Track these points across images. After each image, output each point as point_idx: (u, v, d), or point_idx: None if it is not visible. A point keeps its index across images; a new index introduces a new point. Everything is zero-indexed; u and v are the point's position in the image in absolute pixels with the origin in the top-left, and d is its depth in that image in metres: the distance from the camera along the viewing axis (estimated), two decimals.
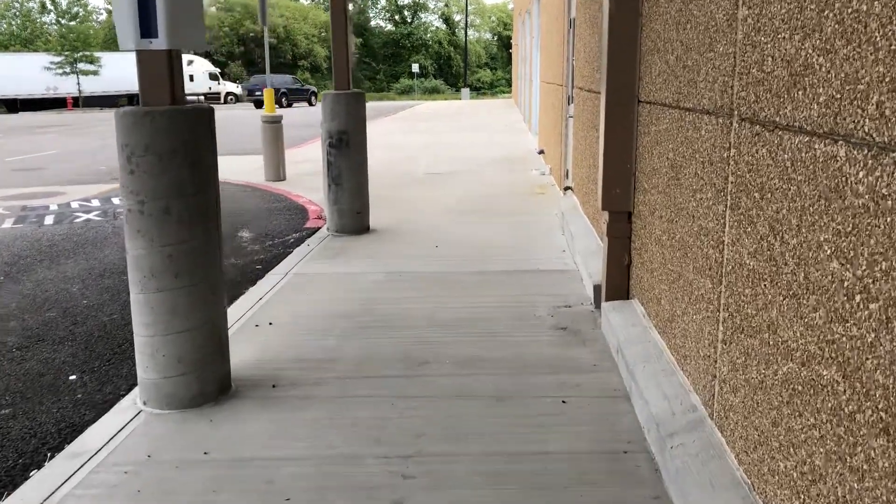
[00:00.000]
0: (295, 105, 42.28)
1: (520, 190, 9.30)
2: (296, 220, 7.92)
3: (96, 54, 42.37)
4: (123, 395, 3.51)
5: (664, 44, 3.32)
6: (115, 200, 9.45)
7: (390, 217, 7.59)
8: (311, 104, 42.80)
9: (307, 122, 28.35)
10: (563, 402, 3.23)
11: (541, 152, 11.90)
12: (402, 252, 6.11)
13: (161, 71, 3.07)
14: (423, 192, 9.38)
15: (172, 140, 3.06)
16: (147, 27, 3.00)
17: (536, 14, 15.39)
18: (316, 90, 45.76)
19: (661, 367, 3.14)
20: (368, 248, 6.27)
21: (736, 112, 2.34)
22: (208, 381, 3.30)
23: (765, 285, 2.06)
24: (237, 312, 4.59)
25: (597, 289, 4.48)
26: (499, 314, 4.44)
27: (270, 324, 4.37)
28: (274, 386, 3.47)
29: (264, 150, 10.48)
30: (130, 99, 46.90)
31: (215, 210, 3.30)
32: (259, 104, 42.12)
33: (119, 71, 44.58)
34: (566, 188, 7.51)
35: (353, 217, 6.88)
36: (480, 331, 4.16)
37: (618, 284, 4.15)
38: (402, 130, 21.19)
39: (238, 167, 12.63)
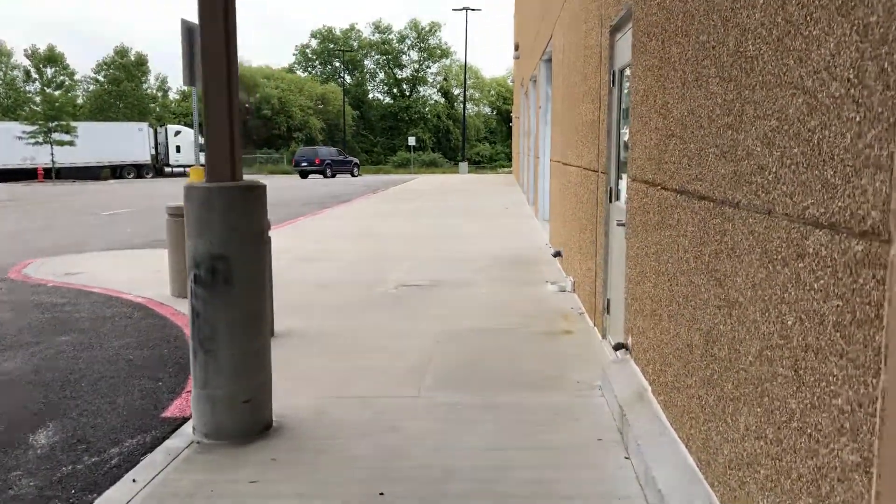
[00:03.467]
0: (339, 175, 43.29)
1: (532, 323, 6.21)
2: (160, 395, 4.66)
3: (73, 123, 39.94)
4: None
5: None
6: None
7: (318, 387, 4.48)
8: (353, 175, 44.28)
9: (332, 192, 26.12)
10: None
11: (557, 254, 8.89)
12: None
13: None
14: (388, 323, 6.29)
15: None
16: None
17: (545, 78, 12.68)
18: (358, 162, 47.22)
19: None
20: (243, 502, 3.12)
21: None
22: None
23: None
24: None
25: None
26: None
27: None
28: None
29: (169, 255, 7.43)
30: (113, 170, 44.31)
31: None
32: (304, 174, 41.77)
33: (100, 141, 42.18)
34: (618, 346, 4.42)
35: (238, 410, 3.75)
36: None
37: None
38: (385, 213, 18.26)
39: (160, 268, 9.54)
